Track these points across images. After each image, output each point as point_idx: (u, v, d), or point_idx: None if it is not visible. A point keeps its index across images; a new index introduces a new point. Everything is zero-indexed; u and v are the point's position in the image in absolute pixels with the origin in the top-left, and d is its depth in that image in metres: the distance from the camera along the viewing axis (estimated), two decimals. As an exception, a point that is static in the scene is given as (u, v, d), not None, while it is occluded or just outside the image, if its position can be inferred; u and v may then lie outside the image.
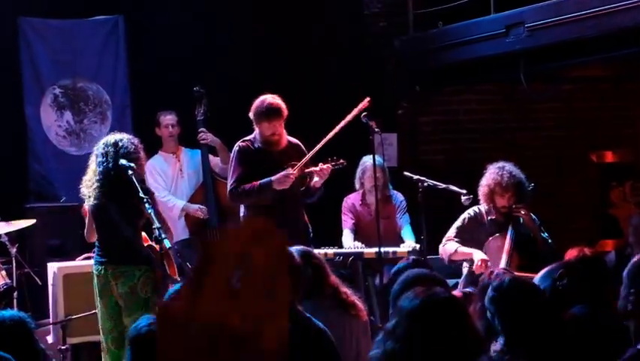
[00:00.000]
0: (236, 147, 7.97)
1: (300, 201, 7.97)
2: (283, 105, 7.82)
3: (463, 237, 7.76)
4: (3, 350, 3.75)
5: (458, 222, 7.87)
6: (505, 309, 4.45)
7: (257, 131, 7.88)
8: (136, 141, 7.33)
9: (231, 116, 9.20)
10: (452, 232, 7.83)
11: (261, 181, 7.75)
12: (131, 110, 9.88)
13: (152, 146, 9.23)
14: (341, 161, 7.89)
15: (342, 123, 7.90)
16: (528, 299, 4.45)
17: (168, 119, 9.14)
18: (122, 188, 7.11)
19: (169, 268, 7.16)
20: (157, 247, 7.13)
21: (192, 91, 9.09)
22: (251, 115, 7.84)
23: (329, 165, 7.80)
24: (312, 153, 7.87)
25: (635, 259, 4.10)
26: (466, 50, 9.63)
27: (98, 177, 7.18)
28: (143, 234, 7.36)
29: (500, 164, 7.72)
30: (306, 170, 7.83)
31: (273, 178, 7.72)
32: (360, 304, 5.71)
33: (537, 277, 5.15)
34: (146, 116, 9.40)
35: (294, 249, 5.53)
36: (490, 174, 7.68)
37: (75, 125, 9.67)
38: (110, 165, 7.15)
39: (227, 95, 9.50)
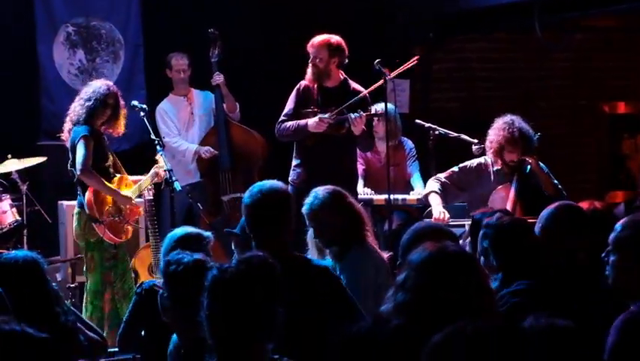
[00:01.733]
0: (297, 85, 8.05)
1: (345, 146, 7.96)
2: (333, 40, 7.90)
3: (455, 182, 7.80)
4: (16, 290, 3.78)
5: (456, 167, 7.89)
6: (500, 244, 4.49)
7: None
8: (103, 88, 7.54)
9: (244, 58, 9.21)
10: (446, 173, 7.87)
11: (300, 121, 7.85)
12: (143, 50, 9.85)
13: (164, 86, 9.23)
14: (379, 111, 7.90)
15: (392, 75, 7.88)
16: (523, 234, 4.49)
17: (180, 63, 9.08)
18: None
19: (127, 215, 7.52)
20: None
21: (207, 32, 9.01)
22: None
23: (363, 115, 7.76)
24: (349, 102, 7.83)
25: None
26: (482, -2, 9.58)
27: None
28: (133, 178, 7.63)
29: (508, 118, 7.67)
30: (341, 117, 7.81)
31: (308, 121, 7.77)
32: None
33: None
34: (158, 56, 9.35)
35: (323, 188, 5.58)
36: (500, 130, 7.63)
37: (87, 63, 9.64)
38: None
39: (241, 36, 9.46)
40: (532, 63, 11.16)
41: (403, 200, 8.51)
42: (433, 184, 7.81)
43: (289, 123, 7.91)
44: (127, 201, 7.51)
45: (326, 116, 7.76)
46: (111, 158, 7.56)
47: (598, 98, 11.46)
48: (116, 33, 9.76)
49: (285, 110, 8.02)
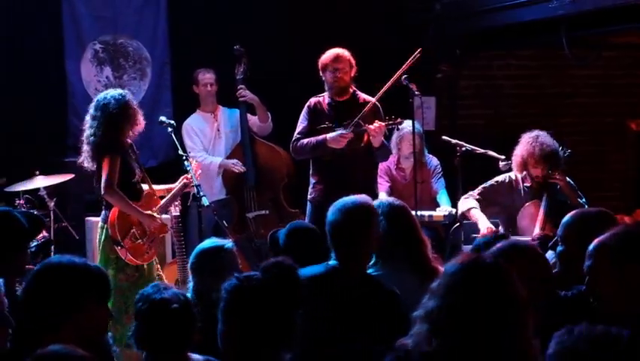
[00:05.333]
0: (307, 103, 8.08)
1: (363, 159, 7.96)
2: (347, 54, 7.93)
3: (486, 197, 7.73)
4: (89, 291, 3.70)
5: (487, 183, 7.84)
6: None
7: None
8: (122, 101, 7.24)
9: (269, 75, 9.22)
10: (478, 190, 7.80)
11: (318, 138, 7.87)
12: (170, 68, 9.90)
13: (191, 104, 9.26)
14: (399, 120, 7.89)
15: (394, 78, 7.89)
16: None
17: (207, 77, 9.11)
18: None
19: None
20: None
21: (232, 49, 9.06)
22: (320, 67, 7.98)
23: (382, 123, 7.79)
24: (363, 111, 7.86)
25: None
26: (509, 15, 9.52)
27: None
28: (159, 187, 7.58)
29: (534, 133, 7.64)
30: (362, 128, 7.82)
31: (327, 137, 7.78)
32: None
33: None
34: (185, 73, 9.40)
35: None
36: (524, 145, 7.60)
37: (114, 80, 9.69)
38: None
39: (266, 53, 9.49)
40: (558, 80, 11.13)
41: (430, 217, 8.49)
42: (470, 201, 7.73)
43: (306, 140, 7.92)
44: (151, 222, 7.29)
45: (345, 131, 7.77)
46: (138, 172, 7.36)
47: (625, 115, 11.40)
48: (143, 51, 9.82)
49: (299, 129, 8.04)
